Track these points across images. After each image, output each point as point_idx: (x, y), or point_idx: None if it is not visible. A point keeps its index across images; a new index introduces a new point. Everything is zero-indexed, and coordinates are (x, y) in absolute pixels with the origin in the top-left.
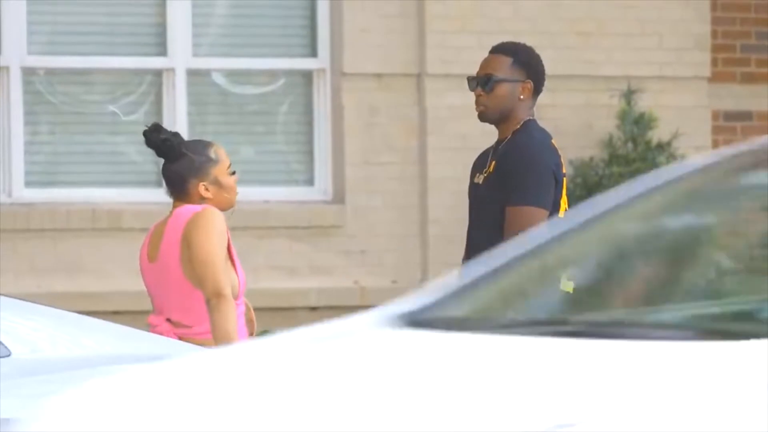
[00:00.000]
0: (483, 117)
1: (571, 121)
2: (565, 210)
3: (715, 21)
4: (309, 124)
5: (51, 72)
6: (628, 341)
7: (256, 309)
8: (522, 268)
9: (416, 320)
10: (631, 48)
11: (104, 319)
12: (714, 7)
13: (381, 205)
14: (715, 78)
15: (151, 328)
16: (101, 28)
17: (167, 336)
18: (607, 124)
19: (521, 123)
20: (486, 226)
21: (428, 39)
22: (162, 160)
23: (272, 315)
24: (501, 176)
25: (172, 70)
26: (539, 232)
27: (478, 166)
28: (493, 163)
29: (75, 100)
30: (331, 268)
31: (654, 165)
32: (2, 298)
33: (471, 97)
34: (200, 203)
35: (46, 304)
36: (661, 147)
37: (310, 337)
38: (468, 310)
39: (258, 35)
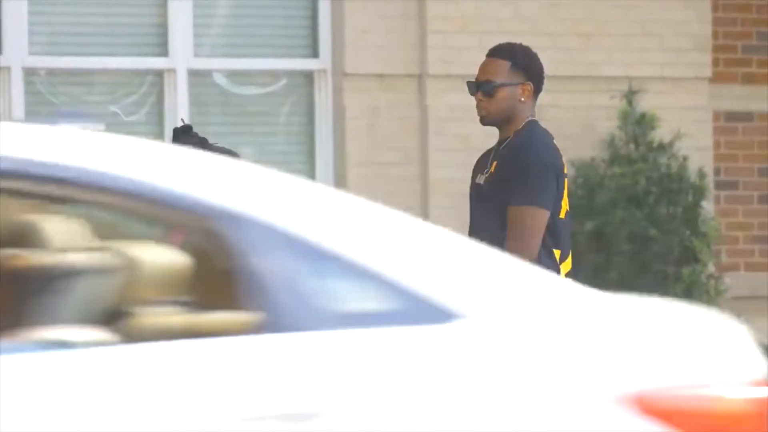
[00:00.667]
0: (485, 121)
1: (573, 121)
2: (566, 211)
3: (716, 22)
4: (310, 124)
5: (52, 72)
6: None
7: None
8: None
9: None
10: (632, 49)
11: None
12: (715, 7)
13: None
14: (717, 78)
15: None
16: (102, 29)
17: None
18: (608, 125)
19: (523, 124)
20: (488, 227)
21: (429, 40)
22: None
23: None
24: (503, 176)
25: (173, 70)
26: None
27: (480, 166)
28: (495, 163)
29: (76, 100)
30: None
31: (655, 165)
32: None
33: (472, 97)
34: None
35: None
36: (663, 147)
37: None
38: None
39: (259, 36)
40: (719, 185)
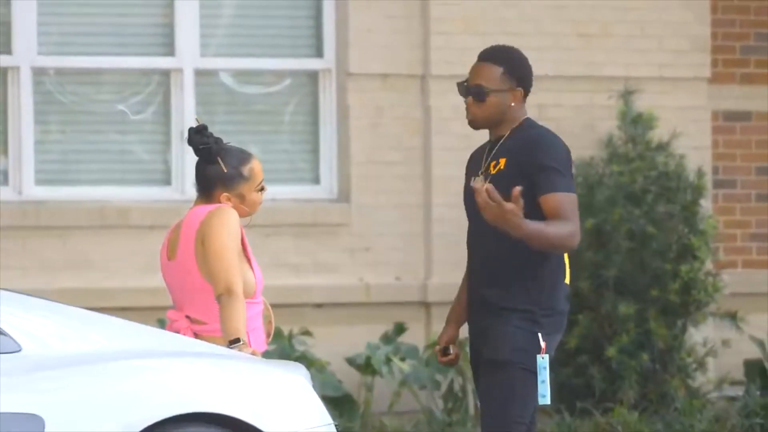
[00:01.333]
0: (473, 125)
1: (573, 121)
2: None
3: (715, 23)
4: (315, 123)
5: (61, 72)
6: None
7: None
8: None
9: None
10: (633, 49)
11: (112, 315)
12: (714, 9)
13: (386, 203)
14: (715, 79)
15: (169, 322)
16: (110, 29)
17: (184, 332)
18: (607, 124)
19: (520, 121)
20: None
21: (432, 40)
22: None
23: (278, 312)
24: (521, 170)
25: (180, 70)
26: None
27: (474, 168)
28: (504, 160)
29: (84, 99)
30: (336, 266)
31: (653, 164)
32: (12, 294)
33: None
34: None
35: (55, 301)
36: (661, 147)
37: None
38: None
39: (265, 36)
40: (717, 184)
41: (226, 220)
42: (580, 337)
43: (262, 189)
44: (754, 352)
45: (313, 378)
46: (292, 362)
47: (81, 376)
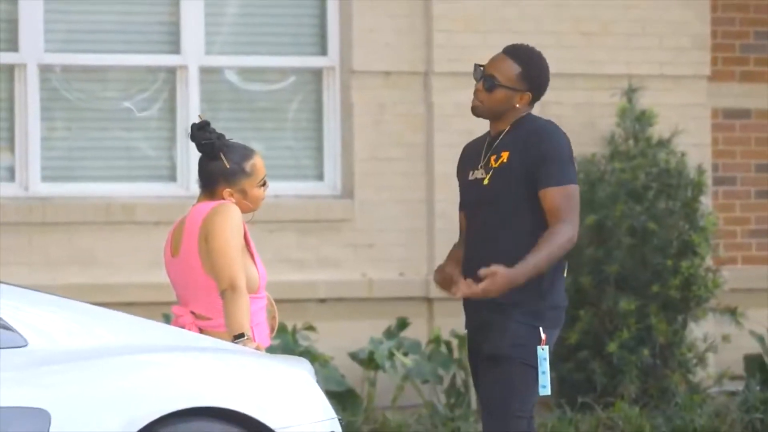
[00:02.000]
0: (476, 111)
1: (574, 118)
2: None
3: (714, 21)
4: (318, 120)
5: (67, 69)
6: None
7: None
8: None
9: None
10: (633, 47)
11: (118, 310)
12: (714, 7)
13: (389, 199)
14: (715, 77)
15: (174, 318)
16: (116, 27)
17: (189, 327)
18: (608, 122)
19: (521, 116)
20: (504, 223)
21: (435, 38)
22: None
23: (281, 307)
24: (524, 163)
25: (185, 67)
26: None
27: (472, 161)
28: (506, 153)
29: (90, 96)
30: (339, 261)
31: (654, 161)
32: (18, 289)
33: None
34: None
35: (61, 296)
36: (662, 144)
37: None
38: None
39: (269, 34)
40: (717, 181)
41: (229, 217)
42: (582, 332)
43: (264, 185)
44: (753, 348)
45: (316, 373)
46: (295, 357)
47: (87, 371)
